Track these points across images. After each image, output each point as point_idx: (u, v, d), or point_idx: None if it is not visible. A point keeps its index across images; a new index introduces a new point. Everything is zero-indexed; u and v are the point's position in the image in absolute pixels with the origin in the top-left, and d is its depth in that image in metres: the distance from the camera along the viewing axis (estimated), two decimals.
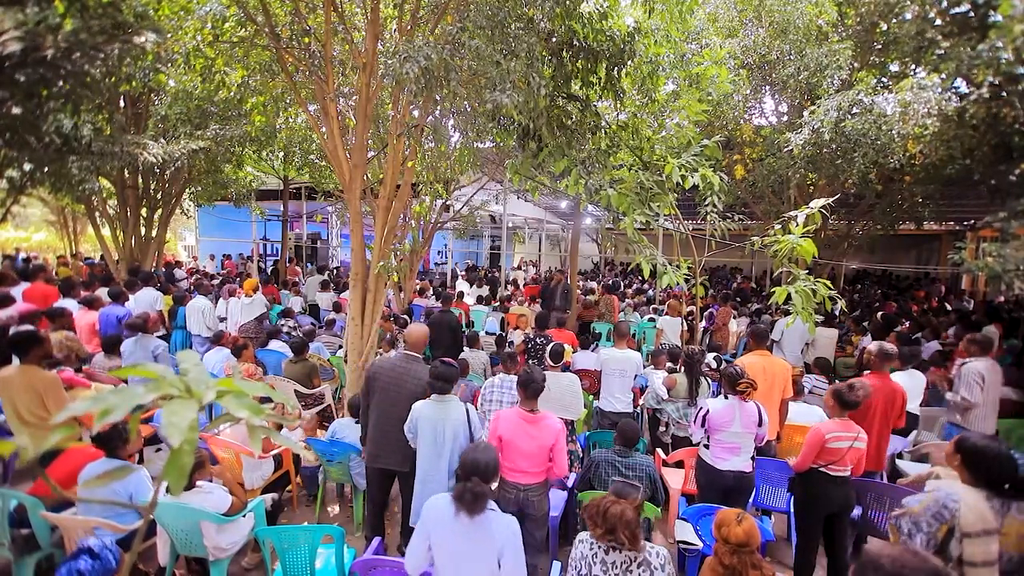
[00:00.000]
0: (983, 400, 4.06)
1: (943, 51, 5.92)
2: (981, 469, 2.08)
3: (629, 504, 2.15)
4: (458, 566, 2.15)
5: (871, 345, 3.95)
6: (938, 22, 6.02)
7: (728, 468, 3.26)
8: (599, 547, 2.15)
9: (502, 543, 2.14)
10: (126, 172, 8.08)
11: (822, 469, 3.04)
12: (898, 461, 4.12)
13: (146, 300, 6.45)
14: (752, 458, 3.32)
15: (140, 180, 8.48)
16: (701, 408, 3.36)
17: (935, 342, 6.74)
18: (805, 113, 7.03)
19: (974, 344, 4.26)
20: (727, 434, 3.25)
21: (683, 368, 4.53)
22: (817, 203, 4.09)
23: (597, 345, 7.24)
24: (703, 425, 3.33)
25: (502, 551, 2.13)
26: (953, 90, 6.01)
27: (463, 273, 15.11)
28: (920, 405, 4.66)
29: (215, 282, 10.20)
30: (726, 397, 3.33)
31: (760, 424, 3.24)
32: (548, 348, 4.33)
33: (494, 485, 3.44)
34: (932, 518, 2.03)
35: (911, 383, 4.46)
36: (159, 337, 6.47)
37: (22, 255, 14.51)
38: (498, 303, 9.89)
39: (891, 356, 3.75)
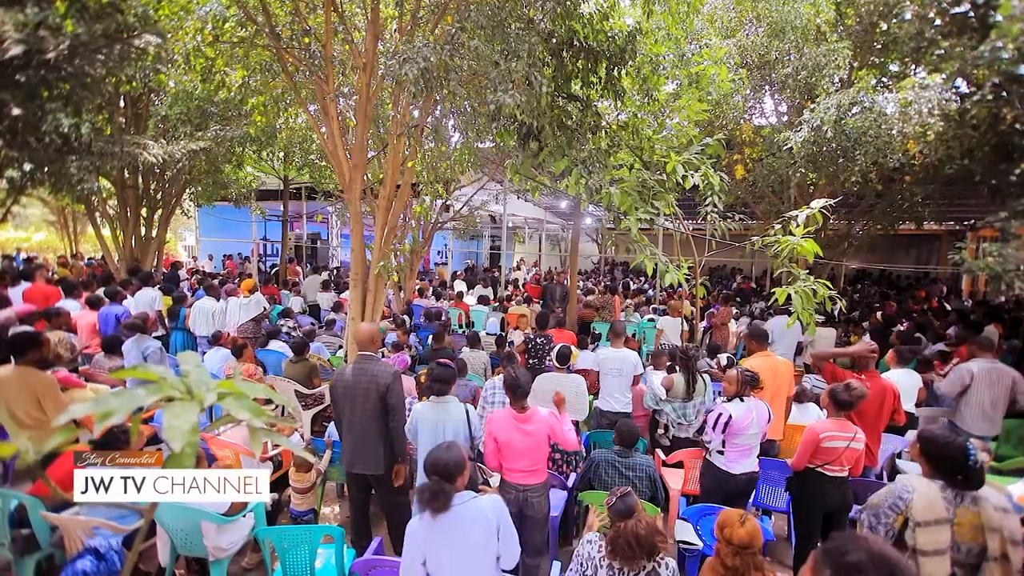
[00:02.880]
0: (973, 398, 4.17)
1: (943, 51, 5.92)
2: (933, 457, 2.15)
3: (641, 515, 2.14)
4: (456, 564, 2.13)
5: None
6: (938, 22, 6.02)
7: (741, 471, 3.23)
8: (608, 552, 2.15)
9: (495, 521, 2.14)
10: (126, 172, 8.07)
11: (819, 469, 3.04)
12: (898, 461, 4.13)
13: (145, 300, 6.44)
14: (758, 457, 3.33)
15: (140, 180, 8.48)
16: (721, 414, 3.21)
17: (941, 344, 6.69)
18: (805, 112, 7.04)
19: (974, 345, 4.46)
20: (745, 437, 3.21)
21: (680, 367, 4.53)
22: (818, 203, 4.08)
23: (597, 345, 7.24)
24: (724, 431, 3.19)
25: (497, 528, 2.14)
26: (954, 90, 6.00)
27: (461, 273, 15.12)
28: (916, 405, 4.66)
29: (214, 282, 10.20)
30: (741, 400, 3.25)
31: (768, 421, 3.26)
32: (555, 350, 4.32)
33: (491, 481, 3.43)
34: (889, 508, 2.10)
35: (907, 382, 4.47)
36: (157, 338, 6.49)
37: (22, 255, 14.52)
38: (498, 303, 9.89)
39: (873, 352, 3.76)
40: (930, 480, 2.13)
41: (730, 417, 3.16)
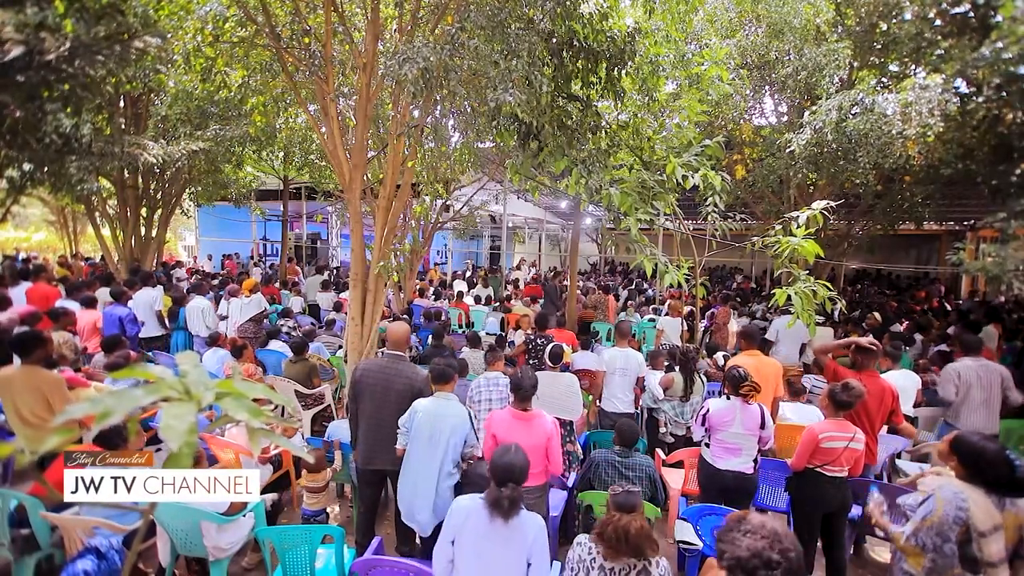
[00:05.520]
0: (962, 398, 4.19)
1: (943, 51, 5.93)
2: (979, 469, 2.10)
3: (640, 516, 2.13)
4: (487, 568, 2.15)
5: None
6: (938, 22, 6.03)
7: (727, 468, 3.25)
8: (598, 552, 2.15)
9: (531, 542, 2.16)
10: (126, 172, 8.07)
11: (818, 469, 3.04)
12: (898, 461, 4.12)
13: (145, 300, 6.43)
14: (755, 460, 3.30)
15: (140, 180, 8.48)
16: (702, 407, 3.35)
17: (943, 345, 6.68)
18: (806, 114, 7.03)
19: (959, 345, 4.57)
20: (727, 434, 3.24)
21: (678, 367, 4.54)
22: (819, 204, 4.08)
23: (597, 345, 7.23)
24: (703, 424, 3.33)
25: (531, 550, 2.16)
26: (954, 90, 6.00)
27: (461, 273, 15.13)
28: (914, 406, 4.66)
29: (215, 282, 10.20)
30: (728, 397, 3.31)
31: (763, 427, 3.22)
32: (547, 349, 4.32)
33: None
34: (953, 523, 2.03)
35: (904, 383, 4.47)
36: (158, 338, 6.48)
37: (22, 255, 14.52)
38: (498, 303, 9.89)
39: (873, 353, 3.76)
40: (973, 486, 2.08)
41: (707, 410, 3.29)
